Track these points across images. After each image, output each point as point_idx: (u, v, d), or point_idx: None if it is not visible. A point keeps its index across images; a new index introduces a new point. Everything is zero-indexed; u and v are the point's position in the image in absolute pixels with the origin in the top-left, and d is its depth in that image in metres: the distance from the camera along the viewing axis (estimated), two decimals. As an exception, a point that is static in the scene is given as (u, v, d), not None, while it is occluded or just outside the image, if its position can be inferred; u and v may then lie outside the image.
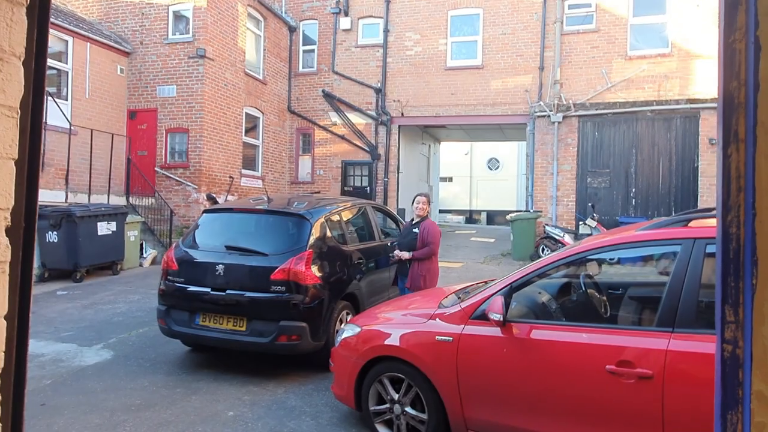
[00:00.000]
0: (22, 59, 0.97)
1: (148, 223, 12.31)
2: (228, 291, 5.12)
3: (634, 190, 14.17)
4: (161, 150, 13.56)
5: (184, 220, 13.14)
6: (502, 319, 3.19)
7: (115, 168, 12.38)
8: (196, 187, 13.24)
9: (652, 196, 14.06)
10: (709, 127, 13.63)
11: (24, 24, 0.97)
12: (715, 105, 13.83)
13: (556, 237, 12.82)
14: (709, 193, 13.59)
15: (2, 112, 0.94)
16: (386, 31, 16.24)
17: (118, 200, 12.28)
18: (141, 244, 11.59)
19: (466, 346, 3.42)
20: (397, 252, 5.92)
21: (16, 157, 0.97)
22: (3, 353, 0.95)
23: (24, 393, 1.02)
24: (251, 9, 15.13)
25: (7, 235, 0.96)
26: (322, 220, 5.57)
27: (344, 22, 16.57)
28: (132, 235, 11.05)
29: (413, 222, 6.03)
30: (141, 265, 11.41)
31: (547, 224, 13.81)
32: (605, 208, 14.13)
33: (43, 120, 1.02)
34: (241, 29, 14.60)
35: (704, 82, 13.76)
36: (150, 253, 11.80)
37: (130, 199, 12.63)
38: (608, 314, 3.49)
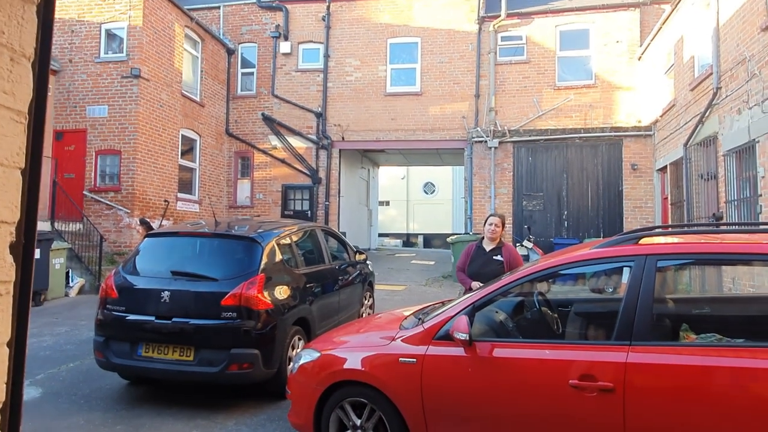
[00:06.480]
0: (31, 61, 0.89)
1: (75, 249, 11.55)
2: (174, 319, 4.86)
3: (566, 212, 14.84)
4: (90, 172, 12.86)
5: (115, 246, 12.46)
6: (468, 338, 3.21)
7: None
8: (129, 211, 12.61)
9: (583, 218, 14.77)
10: (631, 153, 14.58)
11: (34, 23, 0.89)
12: (635, 133, 14.73)
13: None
14: (633, 215, 14.46)
15: (11, 117, 0.85)
16: (326, 56, 16.35)
17: (42, 225, 11.45)
18: (67, 273, 10.84)
19: (431, 366, 3.40)
20: (476, 284, 4.75)
21: (23, 166, 0.89)
22: (5, 385, 0.85)
23: (20, 429, 0.92)
24: (188, 30, 14.82)
25: (11, 253, 0.87)
26: (273, 243, 5.44)
27: (284, 47, 16.54)
28: (57, 262, 10.33)
29: (492, 248, 5.10)
30: (67, 295, 10.66)
31: (486, 246, 14.15)
32: (540, 230, 14.68)
33: (46, 126, 0.94)
34: (177, 50, 14.24)
35: (625, 111, 14.76)
36: (77, 281, 11.05)
37: (56, 224, 11.82)
38: (567, 330, 3.59)
